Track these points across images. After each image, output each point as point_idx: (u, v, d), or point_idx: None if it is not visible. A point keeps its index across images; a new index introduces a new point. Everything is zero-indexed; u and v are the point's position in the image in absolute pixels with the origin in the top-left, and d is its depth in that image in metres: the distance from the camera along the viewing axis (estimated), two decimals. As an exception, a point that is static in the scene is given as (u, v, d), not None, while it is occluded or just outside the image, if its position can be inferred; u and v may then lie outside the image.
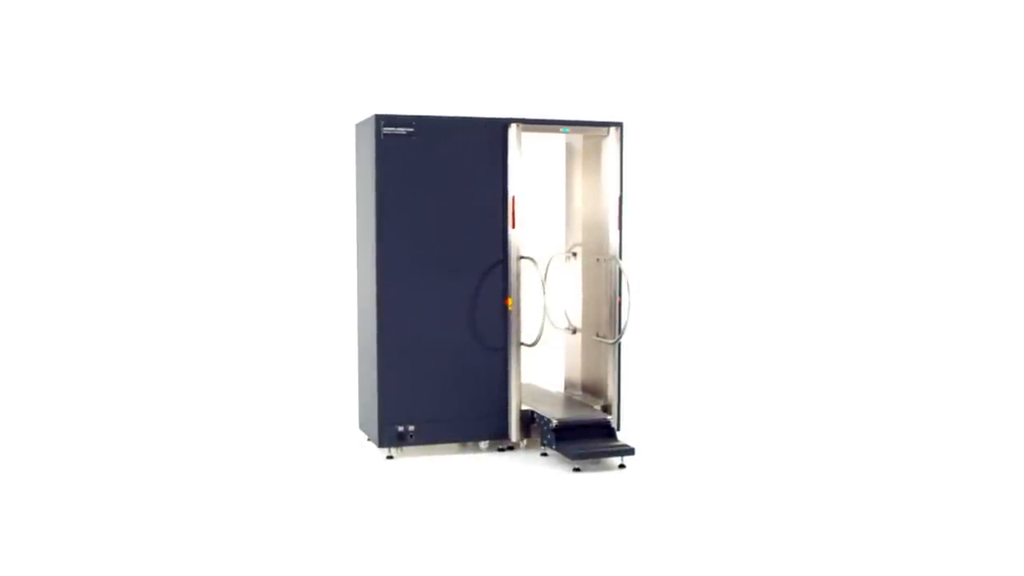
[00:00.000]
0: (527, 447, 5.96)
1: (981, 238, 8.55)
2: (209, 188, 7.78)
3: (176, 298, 7.75)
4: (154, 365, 7.63)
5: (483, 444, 5.98)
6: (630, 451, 5.56)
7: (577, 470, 5.45)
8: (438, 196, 5.68)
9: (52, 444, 6.05)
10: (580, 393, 6.49)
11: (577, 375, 6.57)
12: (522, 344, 5.86)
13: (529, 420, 5.90)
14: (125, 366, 7.57)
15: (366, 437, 6.05)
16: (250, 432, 6.42)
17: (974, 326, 8.42)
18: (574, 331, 6.57)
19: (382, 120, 5.53)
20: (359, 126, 5.94)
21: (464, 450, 5.97)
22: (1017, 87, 8.41)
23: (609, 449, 5.57)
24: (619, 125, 6.02)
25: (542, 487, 5.16)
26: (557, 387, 6.70)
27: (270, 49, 7.75)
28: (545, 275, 6.25)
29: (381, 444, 5.67)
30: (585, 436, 5.66)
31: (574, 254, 6.53)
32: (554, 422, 5.62)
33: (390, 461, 5.68)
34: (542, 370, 6.68)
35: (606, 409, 6.04)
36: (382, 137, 5.53)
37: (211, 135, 7.74)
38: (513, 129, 5.74)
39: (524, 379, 6.02)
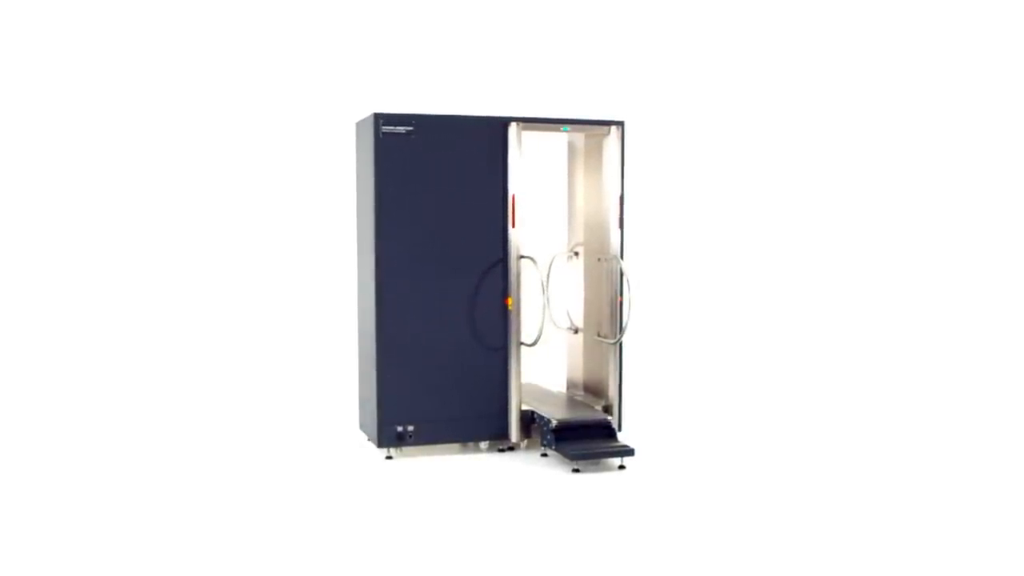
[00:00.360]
0: (527, 447, 5.93)
1: (981, 238, 8.49)
2: (210, 187, 7.77)
3: (176, 297, 7.74)
4: (154, 365, 7.62)
5: (483, 444, 5.95)
6: (630, 452, 5.52)
7: (576, 471, 5.42)
8: (438, 195, 5.65)
9: (53, 445, 6.05)
10: (582, 393, 6.45)
11: (579, 375, 6.54)
12: (522, 344, 5.83)
13: (529, 420, 5.87)
14: (126, 366, 7.57)
15: (366, 437, 6.03)
16: (251, 432, 6.41)
17: (974, 325, 8.37)
18: (576, 331, 6.54)
19: (381, 119, 5.50)
20: (359, 124, 5.92)
21: (464, 450, 5.95)
22: (1017, 87, 8.35)
23: (608, 450, 5.53)
24: (620, 124, 5.98)
25: (541, 488, 5.13)
26: (559, 387, 6.67)
27: (271, 47, 7.74)
28: (548, 275, 6.22)
29: (380, 444, 5.64)
30: (585, 436, 5.62)
31: (576, 253, 6.50)
32: (554, 422, 5.59)
33: (389, 461, 5.66)
34: (544, 370, 6.65)
35: (607, 409, 6.00)
36: (381, 136, 5.51)
37: (212, 134, 7.73)
38: (513, 128, 5.71)
39: (526, 379, 5.99)
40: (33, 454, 5.80)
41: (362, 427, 6.13)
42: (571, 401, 6.27)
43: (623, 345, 6.03)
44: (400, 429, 5.62)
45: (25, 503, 4.84)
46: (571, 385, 6.64)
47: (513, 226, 5.75)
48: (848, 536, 4.36)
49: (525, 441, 5.90)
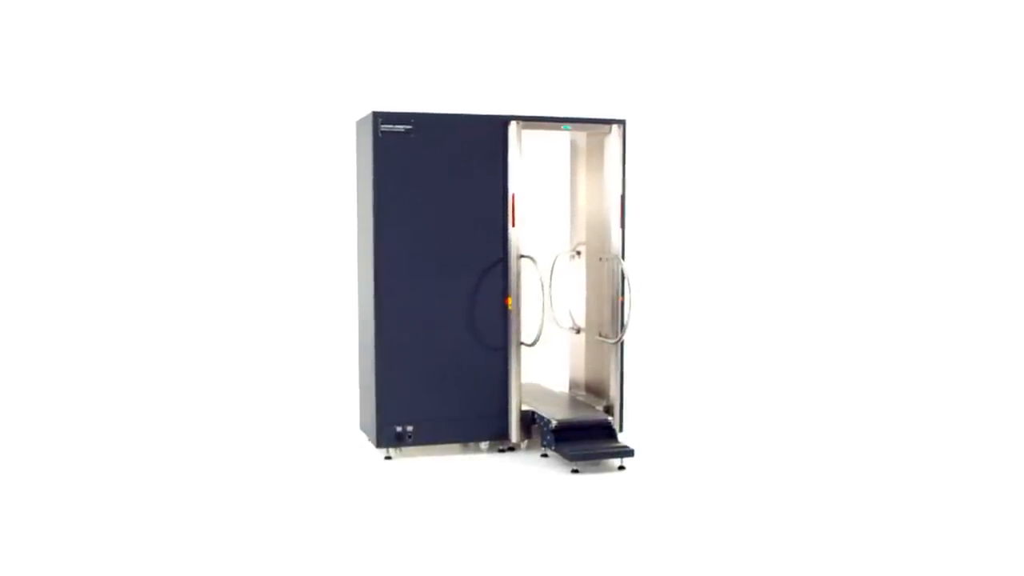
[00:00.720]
0: (528, 448, 5.90)
1: (981, 238, 8.44)
2: (210, 186, 7.77)
3: (176, 297, 7.74)
4: (154, 365, 7.62)
5: (483, 445, 5.92)
6: (629, 452, 5.49)
7: (576, 471, 5.39)
8: (437, 194, 5.62)
9: (53, 445, 6.06)
10: (584, 393, 6.42)
11: (581, 375, 6.51)
12: (522, 344, 5.80)
13: (530, 420, 5.84)
14: (125, 366, 7.57)
15: (367, 438, 6.01)
16: (251, 432, 6.40)
17: (974, 326, 8.32)
18: (578, 331, 6.51)
19: (380, 117, 5.48)
20: (359, 123, 5.90)
21: (464, 451, 5.92)
22: (1017, 87, 8.29)
23: (608, 450, 5.49)
24: (622, 123, 5.95)
25: (539, 488, 5.10)
26: (562, 387, 6.64)
27: (272, 46, 7.74)
28: (550, 274, 6.19)
29: (379, 444, 5.62)
30: (585, 437, 5.59)
31: (578, 253, 6.47)
32: (554, 423, 5.56)
33: (389, 462, 5.64)
34: (547, 370, 6.62)
35: (608, 410, 5.97)
36: (380, 135, 5.48)
37: (212, 133, 7.73)
38: (513, 126, 5.68)
39: (529, 379, 5.95)
40: (34, 456, 5.80)
41: (362, 427, 6.11)
42: (572, 401, 6.24)
43: (624, 345, 6.00)
44: (399, 429, 5.60)
45: (26, 504, 4.84)
46: (573, 385, 6.61)
47: (513, 225, 5.72)
48: (848, 536, 4.32)
49: (525, 441, 5.87)
